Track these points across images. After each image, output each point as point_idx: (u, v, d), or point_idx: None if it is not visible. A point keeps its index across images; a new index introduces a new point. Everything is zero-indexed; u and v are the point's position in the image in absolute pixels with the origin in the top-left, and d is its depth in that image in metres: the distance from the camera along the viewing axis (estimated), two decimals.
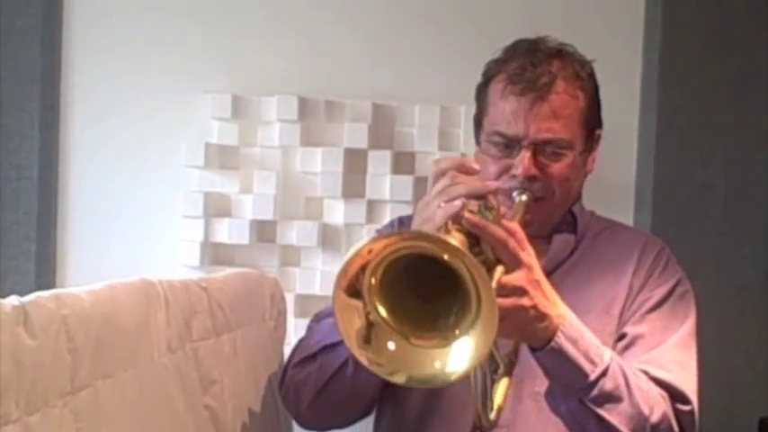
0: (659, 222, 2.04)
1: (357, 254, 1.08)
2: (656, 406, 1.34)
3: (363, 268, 1.09)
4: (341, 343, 1.40)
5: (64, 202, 2.25)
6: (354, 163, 2.15)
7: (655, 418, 1.33)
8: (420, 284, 1.14)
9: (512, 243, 1.21)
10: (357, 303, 1.11)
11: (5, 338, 0.94)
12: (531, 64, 1.46)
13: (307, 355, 1.50)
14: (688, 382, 1.41)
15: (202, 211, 2.16)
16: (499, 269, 1.20)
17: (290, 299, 2.06)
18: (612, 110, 2.08)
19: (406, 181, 2.12)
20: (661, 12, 2.07)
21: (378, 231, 1.71)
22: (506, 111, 1.46)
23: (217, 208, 2.19)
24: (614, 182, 2.10)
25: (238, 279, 1.69)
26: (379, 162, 2.14)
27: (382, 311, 1.12)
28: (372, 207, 2.16)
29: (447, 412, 1.49)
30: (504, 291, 1.19)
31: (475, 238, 1.21)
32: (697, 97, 2.07)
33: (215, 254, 2.20)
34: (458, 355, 1.09)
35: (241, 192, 2.18)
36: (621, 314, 1.48)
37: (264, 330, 1.75)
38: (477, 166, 1.35)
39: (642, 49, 2.11)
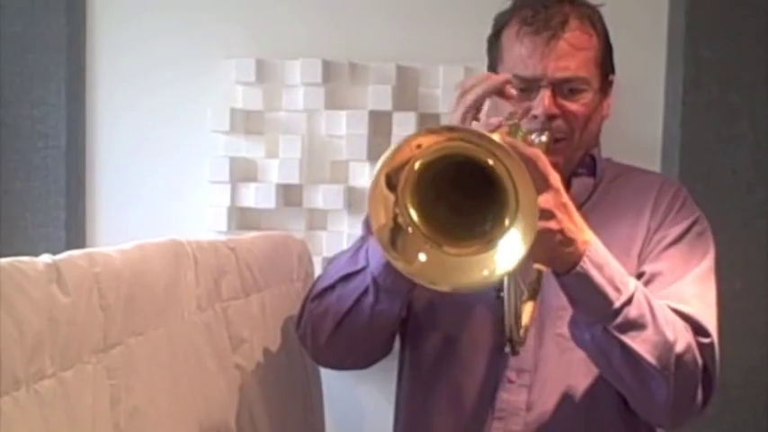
0: (686, 179, 2.02)
1: (407, 144, 1.08)
2: (681, 336, 1.33)
3: (406, 162, 1.08)
4: (360, 272, 1.40)
5: (92, 169, 2.26)
6: (379, 125, 2.15)
7: (680, 347, 1.32)
8: (453, 195, 1.14)
9: (542, 162, 1.20)
10: (390, 195, 1.10)
11: (39, 295, 0.96)
12: (542, 6, 1.46)
13: (325, 287, 1.49)
14: (708, 316, 1.39)
15: (229, 176, 2.17)
16: None
17: (317, 262, 2.06)
18: (639, 66, 2.09)
19: None
20: None
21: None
22: (523, 53, 1.46)
23: (243, 173, 2.20)
24: (641, 138, 2.09)
25: (266, 240, 1.70)
26: (404, 124, 2.12)
27: (414, 215, 1.12)
28: None
29: (465, 358, 1.49)
30: None
31: None
32: (724, 52, 2.04)
33: (242, 219, 2.21)
34: (501, 258, 1.09)
35: (267, 156, 2.18)
36: (640, 255, 1.48)
37: (292, 291, 1.76)
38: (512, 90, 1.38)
39: (668, 4, 2.09)
